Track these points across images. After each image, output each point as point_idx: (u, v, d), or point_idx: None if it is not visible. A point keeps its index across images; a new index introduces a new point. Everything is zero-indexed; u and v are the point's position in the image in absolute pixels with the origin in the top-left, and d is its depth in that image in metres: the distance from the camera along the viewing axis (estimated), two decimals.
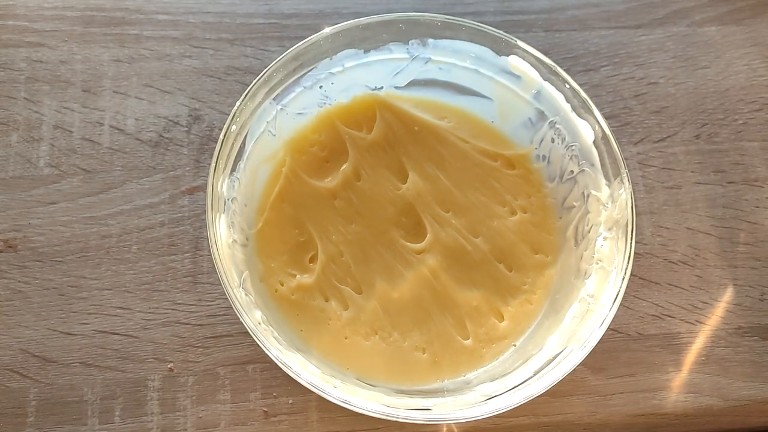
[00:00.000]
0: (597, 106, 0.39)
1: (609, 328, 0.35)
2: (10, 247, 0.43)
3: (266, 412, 0.40)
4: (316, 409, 0.40)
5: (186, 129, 0.47)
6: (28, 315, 0.41)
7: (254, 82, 0.38)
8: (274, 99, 0.40)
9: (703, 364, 0.43)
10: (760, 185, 0.48)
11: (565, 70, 0.40)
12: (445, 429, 0.40)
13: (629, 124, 0.49)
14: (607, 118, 0.39)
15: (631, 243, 0.36)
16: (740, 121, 0.50)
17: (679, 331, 0.44)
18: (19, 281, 0.42)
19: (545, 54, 0.41)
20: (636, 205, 0.37)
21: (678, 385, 0.42)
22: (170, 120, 0.47)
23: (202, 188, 0.45)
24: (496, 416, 0.33)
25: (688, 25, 0.53)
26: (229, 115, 0.37)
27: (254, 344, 0.38)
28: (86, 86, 0.47)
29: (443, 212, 0.42)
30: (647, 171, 0.48)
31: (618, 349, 0.43)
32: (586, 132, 0.40)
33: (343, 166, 0.42)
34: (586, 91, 0.40)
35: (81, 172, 0.45)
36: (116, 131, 0.46)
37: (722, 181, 0.48)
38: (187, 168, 0.46)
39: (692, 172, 0.48)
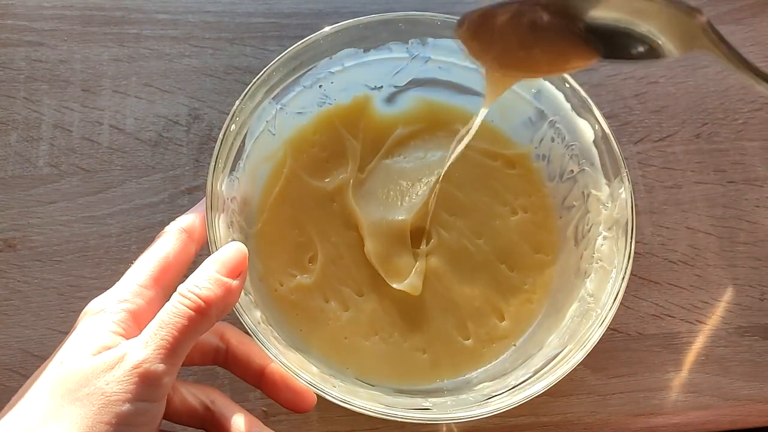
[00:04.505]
0: (597, 105, 0.39)
1: (609, 328, 0.35)
2: (9, 246, 0.43)
3: (266, 411, 0.40)
4: (315, 408, 0.40)
5: (185, 128, 0.47)
6: (27, 314, 0.41)
7: (254, 81, 0.38)
8: (273, 98, 0.40)
9: (703, 363, 0.43)
10: (760, 185, 0.48)
11: None
12: (444, 429, 0.40)
13: (629, 124, 0.49)
14: (607, 117, 0.39)
15: (631, 242, 0.36)
16: (740, 121, 0.50)
17: (679, 331, 0.44)
18: (19, 281, 0.42)
19: None
20: (636, 205, 0.37)
21: (678, 385, 0.42)
22: (170, 119, 0.47)
23: (202, 188, 0.45)
24: (496, 416, 0.33)
25: None
26: (228, 114, 0.37)
27: None
28: (86, 85, 0.47)
29: (446, 215, 0.42)
30: (647, 170, 0.48)
31: (618, 349, 0.43)
32: (586, 131, 0.40)
33: (342, 176, 0.42)
34: (586, 90, 0.40)
35: (80, 171, 0.45)
36: (116, 131, 0.46)
37: (722, 181, 0.48)
38: (187, 167, 0.46)
39: (692, 171, 0.48)
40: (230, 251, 0.31)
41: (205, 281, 0.29)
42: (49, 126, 0.46)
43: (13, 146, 0.45)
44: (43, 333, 0.41)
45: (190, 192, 0.45)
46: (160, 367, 0.27)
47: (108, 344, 0.28)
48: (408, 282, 0.39)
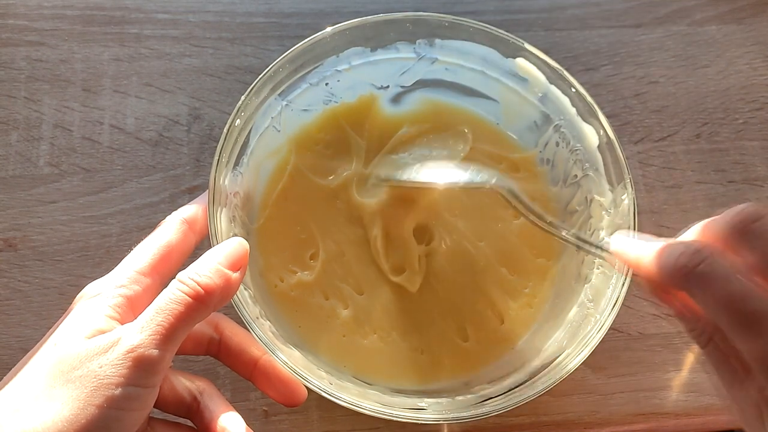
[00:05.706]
0: (597, 105, 0.39)
1: (609, 328, 0.35)
2: (10, 246, 0.43)
3: (266, 411, 0.40)
4: (316, 408, 0.40)
5: (186, 128, 0.47)
6: (28, 314, 0.41)
7: (260, 76, 0.38)
8: (279, 95, 0.40)
9: (704, 363, 0.43)
10: (760, 184, 0.48)
11: (565, 69, 0.40)
12: (446, 429, 0.40)
13: (629, 124, 0.49)
14: (607, 117, 0.39)
15: None
16: (740, 121, 0.50)
17: (680, 331, 0.43)
18: (19, 280, 0.42)
19: (545, 53, 0.40)
20: (637, 205, 0.37)
21: (678, 385, 0.42)
22: (170, 119, 0.47)
23: (202, 187, 0.45)
24: (497, 415, 0.33)
25: (689, 24, 0.53)
26: (229, 114, 0.37)
27: None
28: (86, 85, 0.47)
29: (449, 216, 0.42)
30: (648, 170, 0.48)
31: (618, 349, 0.43)
32: (590, 136, 0.40)
33: (346, 173, 0.42)
34: (586, 90, 0.40)
35: (81, 171, 0.45)
36: (116, 130, 0.46)
37: (723, 181, 0.48)
38: (187, 167, 0.46)
39: (693, 171, 0.48)
40: (232, 245, 0.31)
41: (206, 270, 0.29)
42: (50, 125, 0.46)
43: (14, 146, 0.45)
44: (44, 333, 0.40)
45: (190, 192, 0.45)
46: (155, 352, 0.27)
47: (103, 328, 0.28)
48: (406, 275, 0.39)
